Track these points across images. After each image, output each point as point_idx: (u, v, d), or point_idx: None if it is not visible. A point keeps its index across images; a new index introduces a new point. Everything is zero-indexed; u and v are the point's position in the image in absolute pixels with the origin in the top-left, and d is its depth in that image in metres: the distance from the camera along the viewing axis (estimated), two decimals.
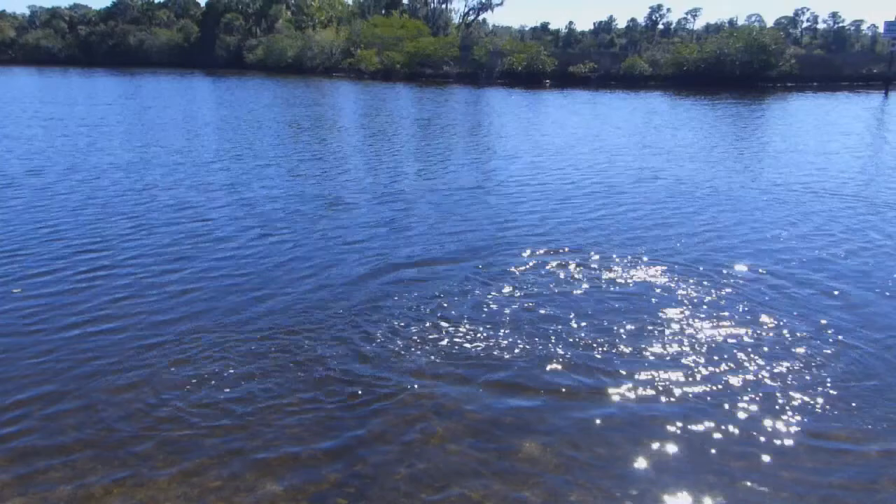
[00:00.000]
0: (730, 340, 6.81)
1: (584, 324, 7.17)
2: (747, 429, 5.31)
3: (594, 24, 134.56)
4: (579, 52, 72.87)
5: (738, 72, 49.52)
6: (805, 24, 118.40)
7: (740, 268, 9.03)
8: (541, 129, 25.09)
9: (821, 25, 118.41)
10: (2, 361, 6.29)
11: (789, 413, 5.52)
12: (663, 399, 5.74)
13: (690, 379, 6.05)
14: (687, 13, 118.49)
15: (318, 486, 4.66)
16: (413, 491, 4.60)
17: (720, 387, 5.92)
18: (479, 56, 58.21)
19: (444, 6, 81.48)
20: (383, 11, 78.39)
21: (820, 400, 5.69)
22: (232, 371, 6.12)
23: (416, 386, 5.90)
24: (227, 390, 5.80)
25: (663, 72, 53.18)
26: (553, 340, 6.76)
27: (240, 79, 58.67)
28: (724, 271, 8.89)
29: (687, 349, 6.61)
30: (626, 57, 57.59)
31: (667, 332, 7.00)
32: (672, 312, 7.48)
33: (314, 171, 16.15)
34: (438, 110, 33.06)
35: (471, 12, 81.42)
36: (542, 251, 9.72)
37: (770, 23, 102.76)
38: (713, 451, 5.06)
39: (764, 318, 7.30)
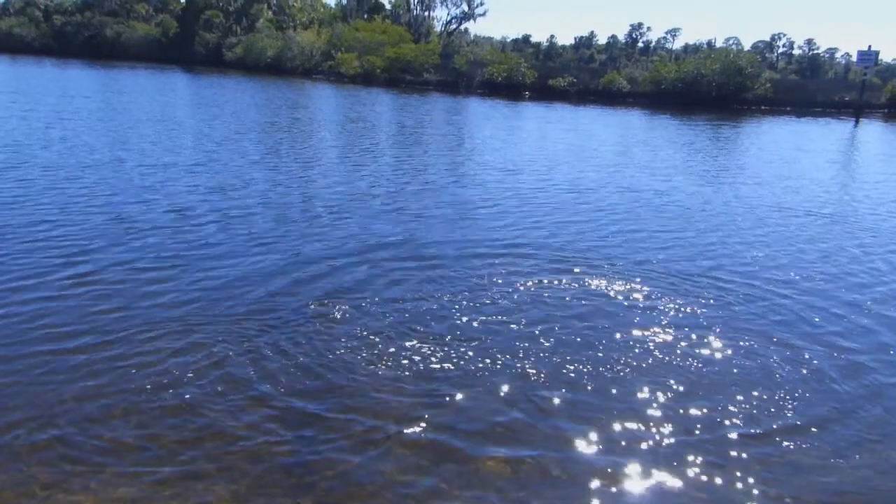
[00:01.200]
0: (706, 360, 6.72)
1: (553, 338, 7.04)
2: (718, 441, 5.21)
3: (575, 38, 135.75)
4: (559, 65, 73.38)
5: (715, 93, 50.14)
6: (781, 50, 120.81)
7: (712, 279, 9.03)
8: (521, 142, 25.09)
9: (796, 51, 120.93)
10: None
11: (769, 439, 5.42)
12: (636, 417, 5.61)
13: (662, 397, 5.94)
14: (667, 32, 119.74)
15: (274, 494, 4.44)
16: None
17: (696, 407, 5.81)
18: (459, 65, 58.27)
19: (426, 13, 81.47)
20: (365, 16, 78.21)
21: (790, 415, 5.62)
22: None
23: (375, 397, 5.71)
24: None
25: (641, 89, 53.67)
26: (522, 355, 6.61)
27: (219, 77, 57.92)
28: (700, 283, 8.85)
29: (660, 367, 6.51)
30: (605, 73, 58.06)
31: (641, 348, 6.90)
32: (646, 328, 7.39)
33: (297, 178, 15.86)
34: (421, 118, 32.92)
35: (453, 21, 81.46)
36: (518, 264, 9.58)
37: (747, 46, 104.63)
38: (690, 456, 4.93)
39: (729, 332, 7.25)
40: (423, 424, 5.37)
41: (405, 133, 26.11)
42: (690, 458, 5.10)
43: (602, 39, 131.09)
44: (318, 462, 4.83)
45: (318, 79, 63.10)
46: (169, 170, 15.26)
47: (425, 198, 13.85)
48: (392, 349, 6.56)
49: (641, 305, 8.14)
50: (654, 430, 5.45)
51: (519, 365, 6.40)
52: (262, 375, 5.98)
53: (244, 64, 73.08)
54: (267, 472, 4.69)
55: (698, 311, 8.02)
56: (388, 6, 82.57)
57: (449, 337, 6.93)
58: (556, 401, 5.83)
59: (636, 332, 7.29)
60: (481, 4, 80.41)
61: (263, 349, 6.45)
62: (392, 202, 13.34)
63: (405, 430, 5.28)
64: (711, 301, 8.38)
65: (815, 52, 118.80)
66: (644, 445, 5.26)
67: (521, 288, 8.53)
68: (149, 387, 5.68)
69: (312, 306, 7.53)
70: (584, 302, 8.14)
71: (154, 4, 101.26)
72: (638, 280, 8.98)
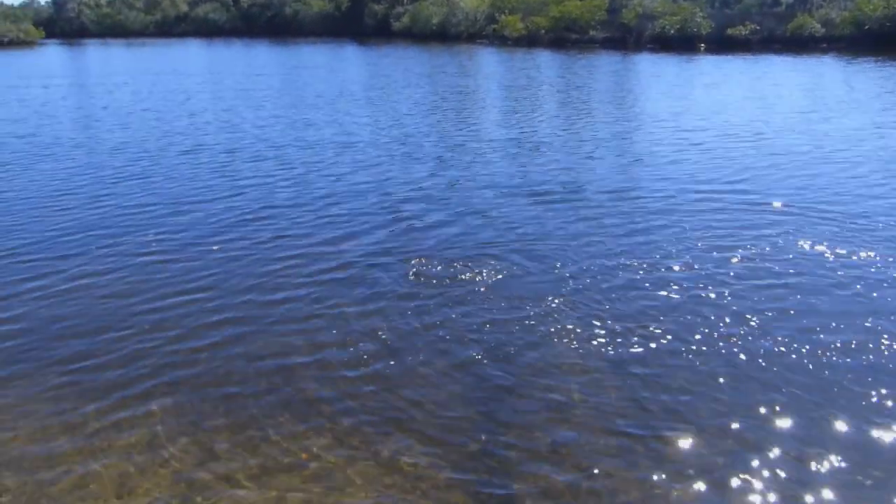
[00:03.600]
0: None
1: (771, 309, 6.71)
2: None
3: None
4: (739, 12, 67.67)
5: None
6: None
7: None
8: (698, 109, 23.41)
9: None
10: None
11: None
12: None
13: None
14: None
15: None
16: None
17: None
18: (628, 20, 55.69)
19: None
20: None
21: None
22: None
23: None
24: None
25: (839, 32, 48.16)
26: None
27: (390, 48, 59.95)
28: None
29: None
30: (793, 16, 52.66)
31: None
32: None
33: (459, 153, 16.24)
34: (586, 82, 32.06)
35: None
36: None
37: None
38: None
39: None
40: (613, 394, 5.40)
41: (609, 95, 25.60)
42: None
43: None
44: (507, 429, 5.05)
45: (482, 43, 63.26)
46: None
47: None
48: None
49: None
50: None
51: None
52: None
53: (411, 33, 75.00)
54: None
55: None
56: None
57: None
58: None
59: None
60: None
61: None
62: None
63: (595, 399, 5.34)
64: None
65: None
66: None
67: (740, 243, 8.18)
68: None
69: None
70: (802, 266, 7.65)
71: None
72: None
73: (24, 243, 8.89)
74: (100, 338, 6.26)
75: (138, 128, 18.53)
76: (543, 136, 16.75)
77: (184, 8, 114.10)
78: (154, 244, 8.82)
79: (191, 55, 56.21)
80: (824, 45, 47.37)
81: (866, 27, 46.46)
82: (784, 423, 4.94)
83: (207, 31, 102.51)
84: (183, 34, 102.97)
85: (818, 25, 49.25)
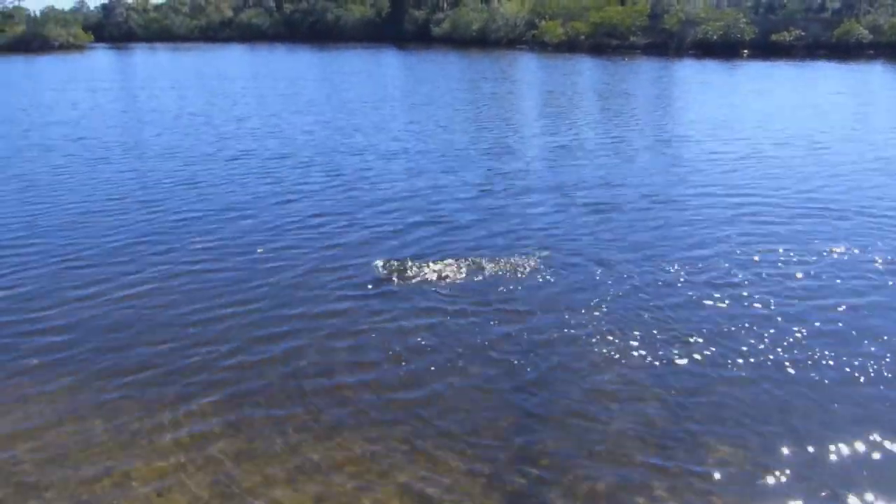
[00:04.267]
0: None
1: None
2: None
3: None
4: (783, 18, 66.34)
5: None
6: None
7: None
8: (749, 117, 22.96)
9: None
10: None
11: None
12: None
13: None
14: None
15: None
16: None
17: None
18: (670, 25, 55.08)
19: None
20: None
21: None
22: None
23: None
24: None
25: (887, 39, 46.97)
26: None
27: (432, 53, 60.29)
28: None
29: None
30: (840, 22, 51.48)
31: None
32: None
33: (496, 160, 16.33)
34: (625, 88, 31.85)
35: None
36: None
37: None
38: None
39: None
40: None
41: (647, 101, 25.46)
42: None
43: None
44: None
45: (522, 49, 63.21)
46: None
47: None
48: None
49: None
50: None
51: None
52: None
53: (451, 38, 75.27)
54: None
55: None
56: None
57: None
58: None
59: None
60: None
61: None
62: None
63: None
64: None
65: None
66: None
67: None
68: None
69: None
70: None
71: None
72: None
73: (77, 249, 9.23)
74: (150, 349, 6.50)
75: (186, 133, 19.07)
76: (592, 143, 16.83)
77: (228, 13, 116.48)
78: (204, 252, 9.10)
79: (235, 60, 57.37)
80: (871, 52, 46.27)
81: None
82: (826, 454, 4.92)
83: (251, 35, 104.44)
84: (227, 39, 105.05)
85: (865, 31, 48.11)
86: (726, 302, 7.19)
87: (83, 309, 7.33)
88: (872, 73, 34.67)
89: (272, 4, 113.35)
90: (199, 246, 9.36)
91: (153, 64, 54.95)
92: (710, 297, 7.30)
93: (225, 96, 27.75)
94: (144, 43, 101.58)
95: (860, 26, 48.96)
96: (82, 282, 8.07)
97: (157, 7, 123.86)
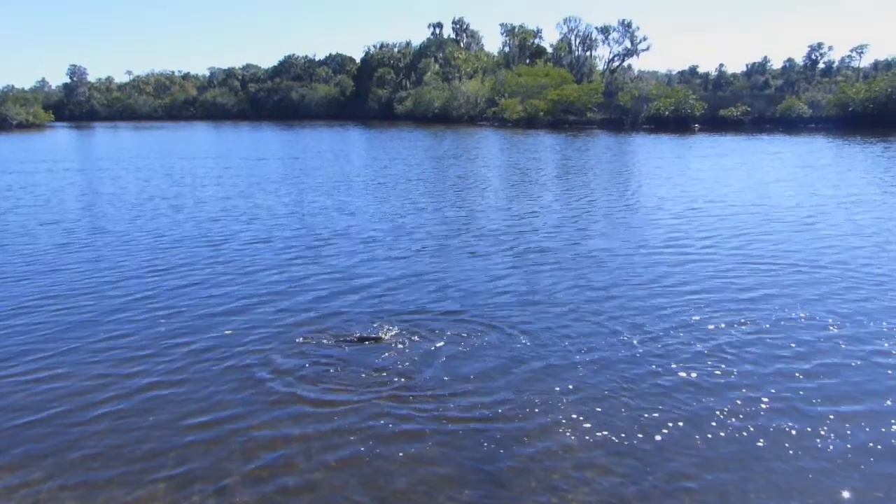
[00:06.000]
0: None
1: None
2: None
3: (747, 65, 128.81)
4: (731, 94, 70.41)
5: None
6: None
7: None
8: (683, 184, 24.13)
9: None
10: None
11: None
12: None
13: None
14: (852, 50, 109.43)
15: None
16: None
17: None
18: (624, 102, 57.92)
19: (588, 53, 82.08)
20: (528, 61, 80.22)
21: None
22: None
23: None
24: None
25: (825, 113, 50.17)
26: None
27: (396, 130, 61.75)
28: None
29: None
30: (782, 99, 54.88)
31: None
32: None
33: (460, 224, 16.76)
34: (580, 159, 33.10)
35: (615, 58, 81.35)
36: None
37: None
38: None
39: None
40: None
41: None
42: None
43: (777, 64, 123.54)
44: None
45: (483, 125, 65.43)
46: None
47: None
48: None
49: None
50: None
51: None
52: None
53: (413, 115, 77.65)
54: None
55: None
56: (549, 50, 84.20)
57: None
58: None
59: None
60: (644, 40, 79.78)
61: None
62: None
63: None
64: None
65: None
66: None
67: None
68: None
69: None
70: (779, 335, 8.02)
71: (333, 67, 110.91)
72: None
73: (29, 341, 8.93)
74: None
75: (149, 218, 17.30)
76: (555, 215, 17.30)
77: (193, 92, 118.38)
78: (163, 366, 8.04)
79: (201, 139, 57.66)
80: (812, 126, 49.18)
81: (850, 109, 48.43)
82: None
83: (216, 114, 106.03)
84: (191, 118, 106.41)
85: (806, 107, 51.27)
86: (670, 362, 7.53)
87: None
88: (814, 145, 36.74)
89: (237, 83, 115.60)
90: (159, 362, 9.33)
91: (116, 143, 54.50)
92: (665, 365, 7.64)
93: (189, 176, 26.27)
94: (107, 122, 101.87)
95: (801, 102, 52.23)
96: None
97: (121, 86, 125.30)
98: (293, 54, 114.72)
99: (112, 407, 6.59)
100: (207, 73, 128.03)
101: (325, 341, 8.17)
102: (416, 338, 8.21)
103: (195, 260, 12.39)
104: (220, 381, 7.15)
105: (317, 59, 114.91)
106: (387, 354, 7.73)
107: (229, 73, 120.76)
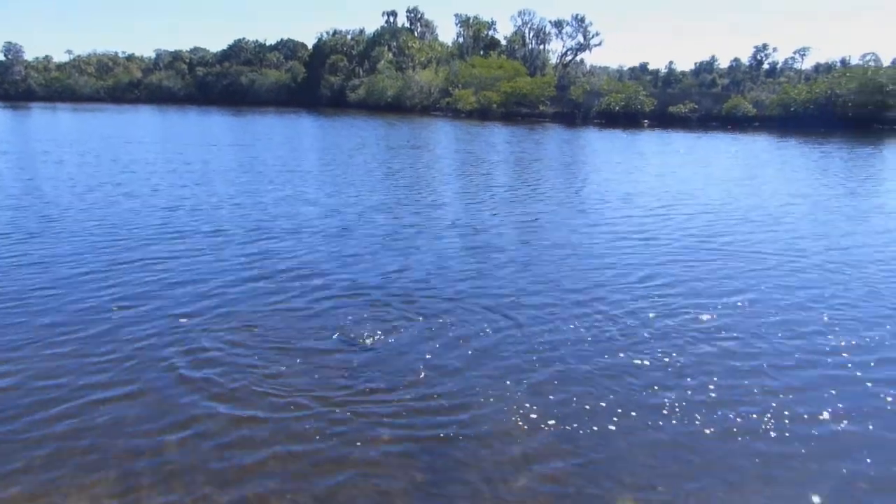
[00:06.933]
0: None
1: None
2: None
3: (695, 63, 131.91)
4: (679, 92, 71.90)
5: (851, 113, 47.35)
6: None
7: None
8: (635, 175, 24.40)
9: None
10: None
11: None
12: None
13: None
14: (795, 52, 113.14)
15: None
16: None
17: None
18: (575, 96, 58.43)
19: (541, 47, 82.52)
20: (482, 52, 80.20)
21: None
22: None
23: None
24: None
25: (768, 113, 51.56)
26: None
27: (349, 118, 60.94)
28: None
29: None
30: (728, 97, 56.20)
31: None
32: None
33: (408, 208, 16.59)
34: (533, 151, 33.25)
35: (568, 52, 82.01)
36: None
37: (887, 62, 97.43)
38: None
39: None
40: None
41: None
42: None
43: (724, 63, 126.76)
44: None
45: (437, 115, 65.14)
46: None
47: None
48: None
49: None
50: None
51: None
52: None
53: (366, 104, 76.80)
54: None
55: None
56: (503, 42, 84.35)
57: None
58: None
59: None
60: (597, 35, 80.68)
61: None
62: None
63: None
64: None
65: None
66: None
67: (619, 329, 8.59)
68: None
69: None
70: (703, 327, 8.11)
71: (284, 52, 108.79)
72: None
73: None
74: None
75: (102, 206, 16.36)
76: (510, 206, 17.27)
77: (137, 74, 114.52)
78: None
79: (146, 122, 55.80)
80: (756, 124, 50.52)
81: (792, 109, 49.95)
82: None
83: (161, 98, 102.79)
84: (136, 100, 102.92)
85: (750, 106, 52.62)
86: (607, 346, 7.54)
87: None
88: (756, 143, 37.74)
89: (184, 67, 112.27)
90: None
91: (56, 125, 52.31)
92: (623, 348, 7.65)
93: (143, 163, 25.19)
94: (45, 102, 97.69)
95: (746, 101, 53.58)
96: None
97: (60, 66, 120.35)
98: (243, 38, 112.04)
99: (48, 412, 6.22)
100: (153, 56, 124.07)
101: (263, 335, 7.90)
102: (363, 328, 8.02)
103: (152, 254, 11.67)
104: (156, 376, 6.83)
105: (268, 44, 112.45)
106: (336, 342, 7.52)
107: (176, 56, 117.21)
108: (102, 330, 7.95)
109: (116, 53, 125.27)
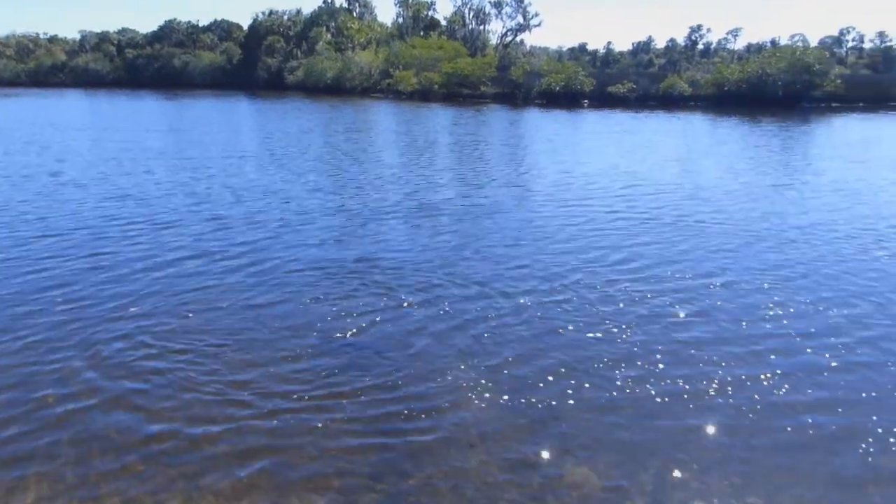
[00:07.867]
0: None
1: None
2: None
3: (633, 44, 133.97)
4: (618, 72, 72.73)
5: (781, 92, 48.82)
6: (851, 44, 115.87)
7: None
8: (575, 156, 24.38)
9: (867, 45, 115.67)
10: None
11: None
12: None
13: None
14: (728, 33, 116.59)
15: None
16: None
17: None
18: (516, 77, 58.44)
19: (481, 27, 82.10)
20: (422, 33, 79.32)
21: None
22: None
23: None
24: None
25: (703, 92, 52.67)
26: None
27: (285, 101, 59.44)
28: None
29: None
30: (664, 77, 57.18)
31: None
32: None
33: (352, 193, 16.28)
34: (477, 132, 33.13)
35: (508, 33, 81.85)
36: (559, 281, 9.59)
37: (814, 42, 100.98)
38: None
39: None
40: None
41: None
42: None
43: (660, 44, 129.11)
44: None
45: (377, 97, 64.22)
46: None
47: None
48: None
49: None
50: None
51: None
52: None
53: (304, 86, 75.07)
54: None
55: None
56: (443, 23, 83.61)
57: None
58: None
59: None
60: (536, 15, 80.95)
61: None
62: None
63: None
64: None
65: (888, 44, 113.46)
66: None
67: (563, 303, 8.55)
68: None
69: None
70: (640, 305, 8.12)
71: (219, 34, 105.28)
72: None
73: None
74: None
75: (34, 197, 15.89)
76: (460, 185, 17.09)
77: (62, 57, 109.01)
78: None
79: (74, 107, 53.22)
80: (692, 104, 51.60)
81: (726, 88, 51.17)
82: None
83: (88, 81, 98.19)
84: (60, 84, 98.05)
85: (686, 86, 53.66)
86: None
87: None
88: (691, 122, 38.55)
89: (112, 49, 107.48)
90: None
91: None
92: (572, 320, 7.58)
93: (77, 152, 23.81)
94: None
95: (682, 81, 54.61)
96: None
97: None
98: (175, 19, 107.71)
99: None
100: (78, 37, 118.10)
101: (215, 327, 7.55)
102: (319, 313, 7.75)
103: (102, 246, 11.09)
104: (102, 372, 6.39)
105: (201, 24, 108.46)
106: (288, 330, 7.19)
107: (103, 38, 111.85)
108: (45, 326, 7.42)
109: (38, 35, 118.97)
